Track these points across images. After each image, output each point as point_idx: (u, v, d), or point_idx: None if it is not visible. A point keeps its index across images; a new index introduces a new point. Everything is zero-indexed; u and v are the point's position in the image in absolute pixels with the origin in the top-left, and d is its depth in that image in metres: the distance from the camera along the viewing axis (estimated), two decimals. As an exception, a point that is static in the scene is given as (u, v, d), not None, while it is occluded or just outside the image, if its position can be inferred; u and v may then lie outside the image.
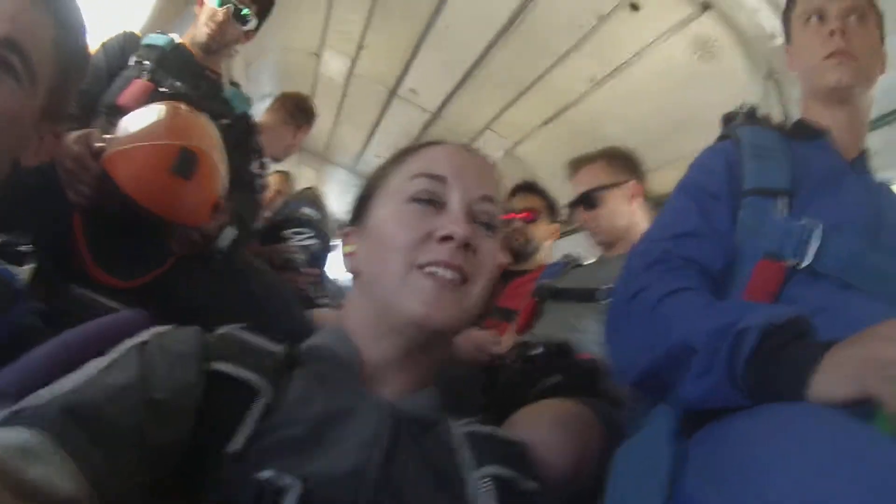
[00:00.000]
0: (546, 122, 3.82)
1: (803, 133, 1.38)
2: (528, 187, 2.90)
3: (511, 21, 3.01)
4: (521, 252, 2.66)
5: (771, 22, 2.47)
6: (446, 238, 0.93)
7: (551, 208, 2.87)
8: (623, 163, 2.34)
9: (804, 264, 1.11)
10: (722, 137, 1.42)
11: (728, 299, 1.12)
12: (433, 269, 0.94)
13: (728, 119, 1.49)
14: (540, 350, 1.73)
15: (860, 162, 1.40)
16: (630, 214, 2.25)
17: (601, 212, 2.25)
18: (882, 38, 1.46)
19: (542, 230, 2.78)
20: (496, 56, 3.32)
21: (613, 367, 1.20)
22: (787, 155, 1.26)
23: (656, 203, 2.21)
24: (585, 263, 2.37)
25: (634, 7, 2.73)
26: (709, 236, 1.18)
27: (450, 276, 0.94)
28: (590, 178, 2.30)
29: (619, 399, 1.47)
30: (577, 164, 2.37)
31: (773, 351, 0.86)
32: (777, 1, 2.41)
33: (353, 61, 3.96)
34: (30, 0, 0.90)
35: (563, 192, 2.69)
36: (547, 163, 3.93)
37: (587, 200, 2.26)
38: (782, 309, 0.95)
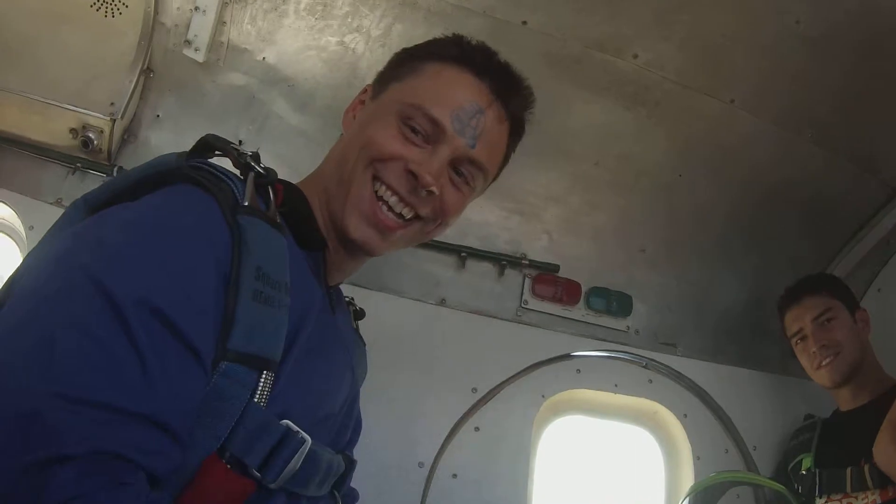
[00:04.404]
0: None
1: (304, 236, 1.04)
2: None
3: None
4: None
5: (200, 30, 2.14)
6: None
7: None
8: None
9: (271, 486, 0.86)
10: (188, 177, 0.91)
11: None
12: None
13: (207, 147, 0.98)
14: None
15: (336, 289, 1.19)
16: None
17: None
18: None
19: None
20: None
21: None
22: (287, 289, 0.89)
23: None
24: None
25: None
26: (178, 429, 0.74)
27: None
28: None
29: None
30: None
31: None
32: (224, 17, 2.15)
33: None
34: None
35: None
36: None
37: None
38: None
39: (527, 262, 2.31)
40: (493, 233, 2.32)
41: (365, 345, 1.35)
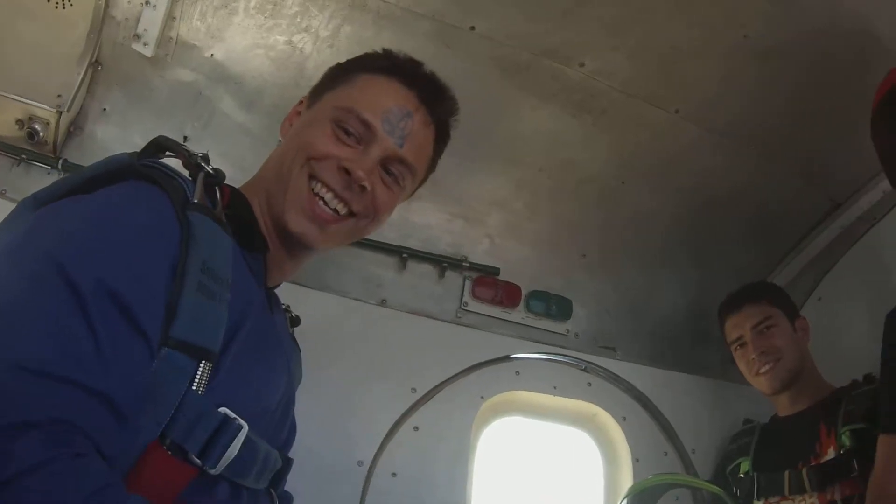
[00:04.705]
0: None
1: (246, 238, 1.09)
2: None
3: None
4: None
5: (149, 25, 2.13)
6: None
7: None
8: None
9: (212, 472, 0.90)
10: (141, 174, 0.96)
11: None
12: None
13: (158, 148, 1.04)
14: None
15: (273, 291, 1.24)
16: None
17: None
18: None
19: None
20: None
21: None
22: (228, 286, 0.93)
23: None
24: None
25: None
26: (123, 405, 0.77)
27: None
28: None
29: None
30: None
31: None
32: (174, 13, 2.13)
33: None
34: None
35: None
36: None
37: None
38: None
39: (468, 265, 2.34)
40: (435, 235, 2.35)
41: (300, 350, 1.39)
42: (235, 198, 1.13)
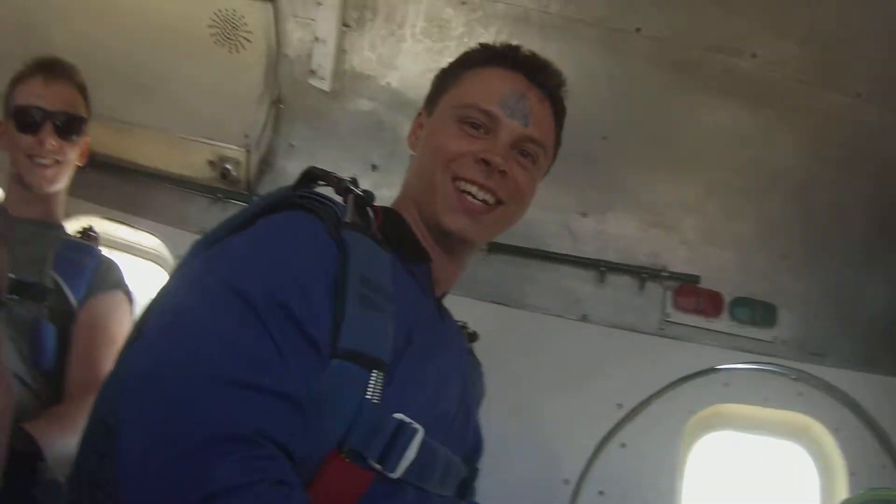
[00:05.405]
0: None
1: (403, 249, 1.13)
2: None
3: None
4: None
5: (323, 60, 2.23)
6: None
7: None
8: (88, 105, 1.90)
9: (393, 475, 0.92)
10: (298, 204, 1.02)
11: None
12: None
13: (312, 178, 1.11)
14: None
15: (441, 301, 1.28)
16: (70, 177, 1.87)
17: (73, 150, 1.83)
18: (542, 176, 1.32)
19: None
20: None
21: None
22: (392, 298, 0.96)
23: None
24: None
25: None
26: (306, 411, 0.82)
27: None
28: (74, 100, 1.84)
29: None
30: (57, 71, 1.85)
31: None
32: (345, 46, 2.23)
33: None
34: None
35: None
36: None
37: (67, 126, 1.82)
38: None
39: (667, 274, 2.27)
40: (631, 246, 2.30)
41: (480, 364, 1.40)
42: (389, 215, 1.17)
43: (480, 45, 1.30)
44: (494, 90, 1.19)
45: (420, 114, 1.31)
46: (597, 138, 2.23)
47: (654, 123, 2.28)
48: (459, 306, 1.32)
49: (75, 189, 2.01)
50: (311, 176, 1.10)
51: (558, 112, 1.29)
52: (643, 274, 2.26)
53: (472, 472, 1.24)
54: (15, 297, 1.55)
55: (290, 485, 0.76)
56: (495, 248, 2.24)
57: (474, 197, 1.15)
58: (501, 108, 1.17)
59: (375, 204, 1.11)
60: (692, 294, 2.26)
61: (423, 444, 0.95)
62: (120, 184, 2.46)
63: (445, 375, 1.10)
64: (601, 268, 2.23)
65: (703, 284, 2.29)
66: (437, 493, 1.05)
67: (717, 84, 2.17)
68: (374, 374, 0.89)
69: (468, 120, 1.17)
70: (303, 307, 0.85)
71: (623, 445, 2.16)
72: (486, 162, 1.14)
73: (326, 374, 0.86)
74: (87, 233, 1.89)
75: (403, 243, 1.14)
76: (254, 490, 0.71)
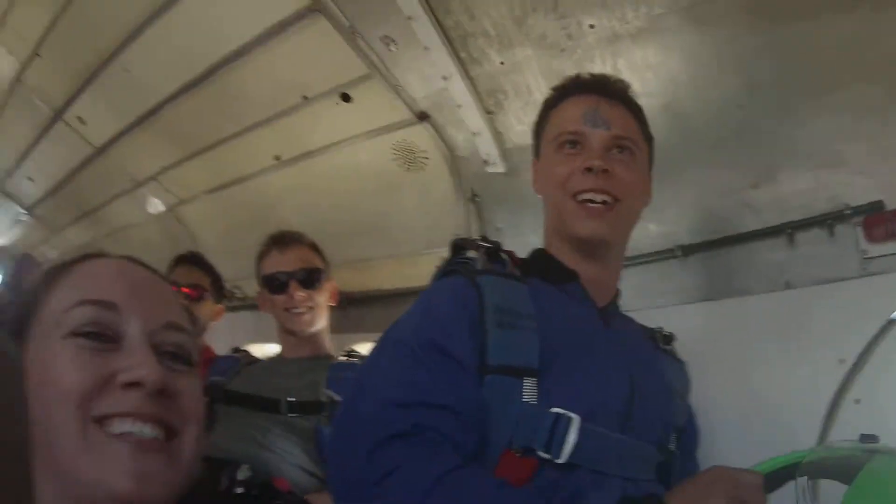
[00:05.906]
0: (217, 189, 3.43)
1: (551, 274, 1.34)
2: (195, 259, 2.68)
3: (204, 77, 2.74)
4: None
5: (488, 148, 2.39)
6: (133, 384, 0.75)
7: (218, 286, 2.69)
8: (323, 257, 2.25)
9: (559, 461, 1.10)
10: (449, 270, 1.34)
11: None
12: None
13: (459, 247, 1.39)
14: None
15: (612, 308, 1.41)
16: (327, 316, 2.20)
17: (319, 296, 2.16)
18: (650, 166, 1.46)
19: (206, 310, 2.58)
20: (179, 108, 2.98)
21: None
22: (532, 317, 1.19)
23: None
24: (261, 360, 2.25)
25: (346, 98, 2.52)
26: (463, 413, 1.09)
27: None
28: (308, 257, 2.19)
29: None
30: (287, 240, 2.22)
31: None
32: (497, 128, 2.34)
33: (24, 67, 3.38)
34: None
35: (224, 267, 2.78)
36: (210, 231, 3.74)
37: (308, 278, 2.15)
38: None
39: (850, 211, 1.98)
40: (808, 199, 2.05)
41: (682, 362, 1.53)
42: (535, 253, 1.42)
43: (552, 88, 1.51)
44: (575, 113, 1.38)
45: (534, 162, 1.52)
46: (733, 107, 2.04)
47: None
48: (665, 315, 1.58)
49: (341, 326, 2.43)
50: (458, 245, 1.39)
51: (634, 110, 1.44)
52: (828, 220, 2.01)
53: (669, 457, 1.34)
54: (293, 415, 1.94)
55: (444, 445, 1.05)
56: (688, 250, 2.22)
57: (594, 202, 1.32)
58: (585, 123, 1.36)
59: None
60: (881, 221, 1.96)
61: (585, 430, 1.12)
62: (370, 310, 2.92)
63: (603, 371, 1.24)
64: (787, 231, 2.07)
65: (890, 206, 1.96)
66: (620, 475, 1.17)
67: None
68: (527, 380, 1.12)
69: (565, 144, 1.37)
70: (446, 338, 1.13)
71: (857, 401, 1.94)
72: (589, 169, 1.31)
73: (485, 388, 1.11)
74: (350, 353, 2.22)
75: (550, 270, 1.35)
76: (410, 440, 1.03)
